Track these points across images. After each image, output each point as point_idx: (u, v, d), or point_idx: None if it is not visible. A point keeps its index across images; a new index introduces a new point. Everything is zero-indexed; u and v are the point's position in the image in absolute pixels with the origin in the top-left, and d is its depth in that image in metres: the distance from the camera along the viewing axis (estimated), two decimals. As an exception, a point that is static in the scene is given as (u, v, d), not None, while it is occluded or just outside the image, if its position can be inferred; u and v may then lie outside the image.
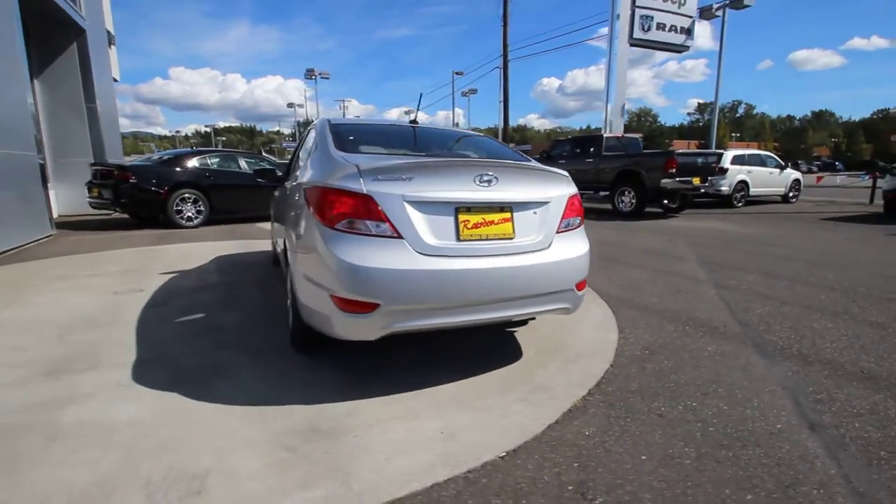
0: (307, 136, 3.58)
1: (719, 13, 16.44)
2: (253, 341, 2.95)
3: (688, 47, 17.36)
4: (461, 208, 2.20)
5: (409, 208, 2.10)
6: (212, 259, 5.52)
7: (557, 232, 2.44)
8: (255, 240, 7.06)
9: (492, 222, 2.25)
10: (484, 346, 2.90)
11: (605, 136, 11.99)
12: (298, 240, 2.39)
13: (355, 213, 2.08)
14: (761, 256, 5.92)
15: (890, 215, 9.87)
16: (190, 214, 8.50)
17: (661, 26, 16.54)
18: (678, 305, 3.84)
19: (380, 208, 2.07)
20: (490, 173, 2.24)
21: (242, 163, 9.50)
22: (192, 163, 8.79)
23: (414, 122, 3.23)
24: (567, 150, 12.72)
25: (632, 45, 16.47)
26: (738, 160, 12.84)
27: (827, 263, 5.49)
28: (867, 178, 13.96)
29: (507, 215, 2.30)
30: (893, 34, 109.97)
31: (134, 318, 3.33)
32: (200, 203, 8.58)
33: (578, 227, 2.59)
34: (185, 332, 3.09)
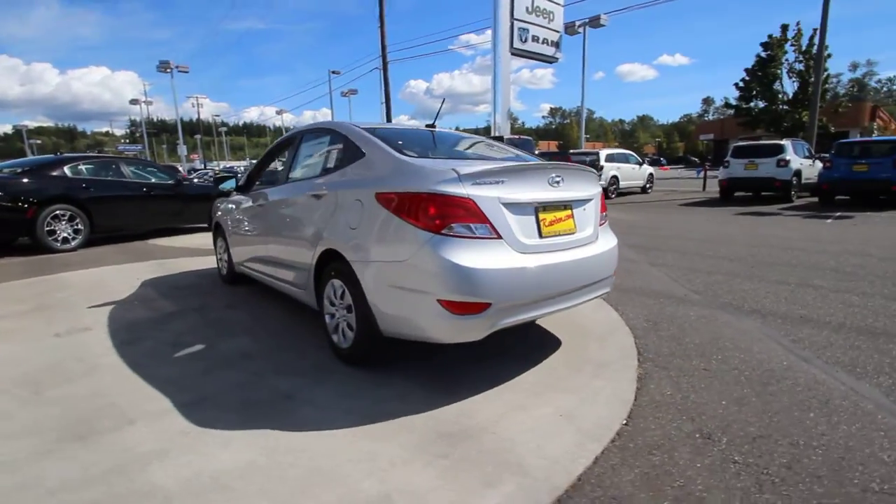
0: (305, 141, 3.36)
1: (580, 30, 18.77)
2: (294, 363, 2.72)
3: (557, 59, 19.43)
4: (539, 208, 2.37)
5: (504, 210, 2.21)
6: (140, 284, 4.73)
7: (599, 225, 2.75)
8: (168, 259, 6.18)
9: (560, 219, 2.47)
10: (520, 337, 3.10)
11: (505, 137, 12.93)
12: (376, 249, 2.31)
13: (460, 216, 2.12)
14: (661, 239, 7.09)
15: (725, 199, 12.48)
16: (66, 235, 7.04)
17: (535, 38, 18.25)
18: (638, 283, 4.48)
19: (482, 211, 2.14)
20: (557, 175, 2.45)
21: (126, 170, 8.15)
22: (63, 172, 7.28)
23: (432, 126, 3.26)
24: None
25: (513, 54, 17.87)
26: (610, 158, 14.90)
27: (712, 240, 6.82)
28: (700, 172, 17.31)
29: (570, 212, 2.53)
30: (692, 54, 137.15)
31: (115, 362, 2.79)
32: (78, 220, 7.16)
33: (606, 220, 2.93)
34: (205, 367, 2.70)
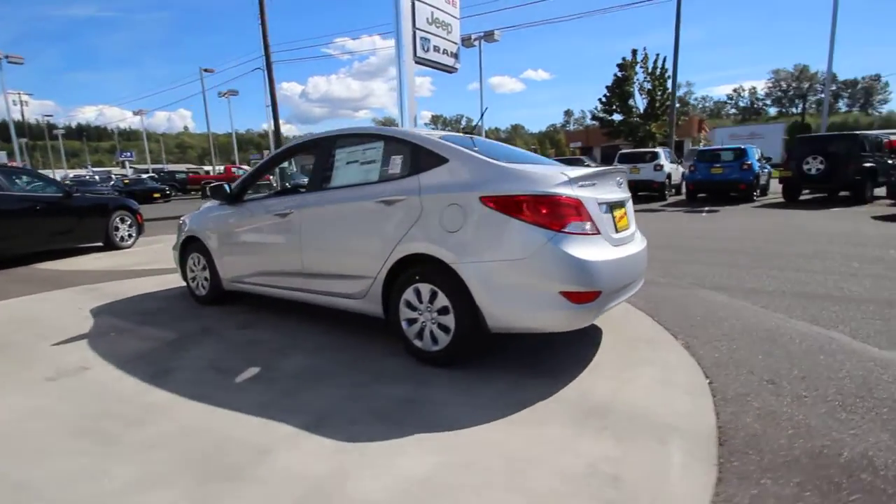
0: (340, 147, 3.26)
1: (476, 43, 19.94)
2: (382, 372, 2.67)
3: (456, 69, 20.36)
4: (612, 206, 2.71)
5: (598, 209, 2.50)
6: (91, 315, 4.02)
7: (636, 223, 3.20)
8: (97, 284, 5.28)
9: (622, 217, 2.84)
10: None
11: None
12: (486, 249, 2.41)
13: (573, 216, 2.35)
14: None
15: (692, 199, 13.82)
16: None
17: (437, 48, 18.83)
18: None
19: (587, 210, 2.41)
20: (620, 178, 2.82)
21: (4, 182, 6.67)
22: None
23: (471, 131, 3.40)
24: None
25: (417, 62, 18.25)
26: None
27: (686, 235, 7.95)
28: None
29: (624, 210, 2.92)
30: (552, 70, 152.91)
31: (171, 397, 2.44)
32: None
33: None
34: (288, 387, 2.52)
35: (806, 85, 68.87)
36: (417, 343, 2.76)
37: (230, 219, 3.86)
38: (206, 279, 4.19)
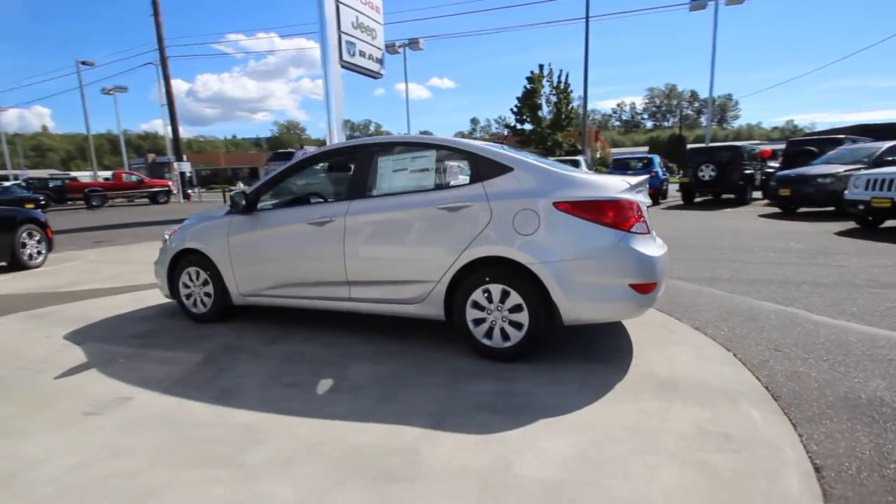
0: (384, 155, 3.30)
1: (400, 50, 20.12)
2: (457, 370, 2.79)
3: (381, 75, 20.33)
4: (645, 208, 3.12)
5: (645, 211, 2.89)
6: (71, 343, 3.55)
7: None
8: (51, 307, 4.59)
9: (649, 219, 3.28)
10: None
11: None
12: (563, 249, 2.65)
13: (635, 217, 2.70)
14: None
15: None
16: None
17: (362, 53, 18.70)
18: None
19: (642, 212, 2.77)
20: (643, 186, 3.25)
21: None
22: None
23: (502, 141, 3.62)
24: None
25: (343, 67, 17.92)
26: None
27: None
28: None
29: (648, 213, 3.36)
30: (457, 79, 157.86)
31: (259, 417, 2.33)
32: None
33: None
34: (379, 394, 2.53)
35: (675, 102, 79.75)
36: (486, 342, 2.92)
37: (246, 229, 3.66)
38: (207, 295, 3.90)
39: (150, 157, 58.66)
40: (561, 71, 31.67)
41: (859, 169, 9.36)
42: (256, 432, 2.18)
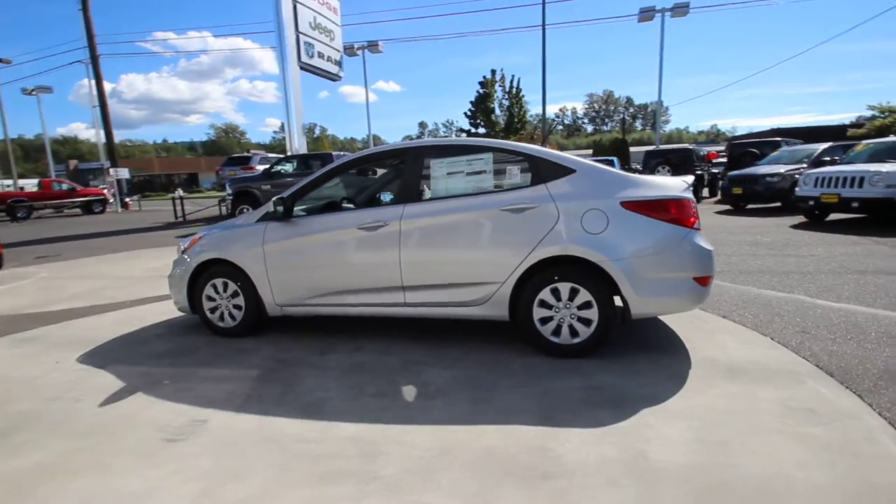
0: (434, 157, 3.29)
1: (359, 52, 19.85)
2: (533, 369, 2.84)
3: (340, 77, 19.99)
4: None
5: (695, 208, 3.09)
6: (86, 366, 3.24)
7: None
8: (35, 329, 4.14)
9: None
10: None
11: (334, 154, 12.82)
12: (633, 247, 2.78)
13: (694, 214, 2.88)
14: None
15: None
16: None
17: (321, 55, 18.29)
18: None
19: (695, 210, 2.96)
20: None
21: None
22: None
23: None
24: (294, 167, 12.70)
25: (301, 68, 17.42)
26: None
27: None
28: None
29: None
30: (403, 83, 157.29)
31: (370, 430, 2.26)
32: None
33: None
34: (473, 399, 2.53)
35: (612, 107, 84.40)
36: (554, 339, 2.99)
37: (285, 236, 3.50)
38: (237, 307, 3.69)
39: (73, 163, 53.75)
40: (513, 76, 32.66)
41: (800, 168, 10.42)
42: (371, 444, 2.11)
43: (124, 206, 23.99)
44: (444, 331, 3.58)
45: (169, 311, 4.34)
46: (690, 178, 3.08)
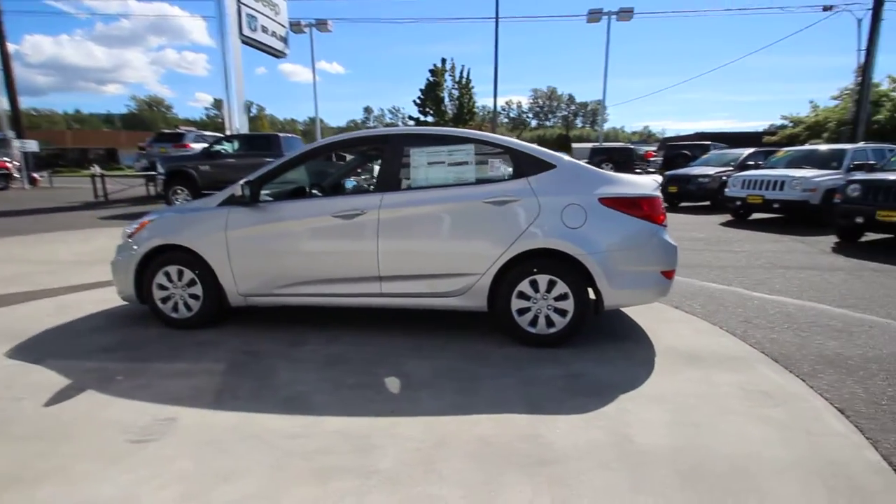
0: (414, 146, 3.22)
1: (306, 30, 18.95)
2: (511, 358, 2.90)
3: (286, 54, 18.93)
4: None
5: (661, 207, 3.27)
6: (17, 361, 2.90)
7: None
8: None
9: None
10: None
11: (280, 135, 12.21)
12: (608, 241, 2.90)
13: (663, 211, 3.05)
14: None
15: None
16: None
17: (265, 29, 17.23)
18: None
19: (664, 208, 3.14)
20: None
21: None
22: None
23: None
24: (236, 148, 11.95)
25: (243, 42, 16.30)
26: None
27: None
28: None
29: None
30: (347, 65, 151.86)
31: (359, 424, 2.20)
32: None
33: None
34: (458, 390, 2.54)
35: (556, 103, 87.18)
36: (531, 329, 3.07)
37: (252, 222, 3.29)
38: (193, 297, 3.44)
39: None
40: (463, 66, 32.75)
41: (727, 171, 11.37)
42: (363, 438, 2.07)
43: (33, 182, 21.39)
44: (420, 321, 3.56)
45: (110, 299, 3.96)
46: (659, 178, 3.26)
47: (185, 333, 3.39)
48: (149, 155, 17.89)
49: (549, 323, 3.06)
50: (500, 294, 3.07)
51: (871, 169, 7.61)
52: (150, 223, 3.53)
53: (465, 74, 32.66)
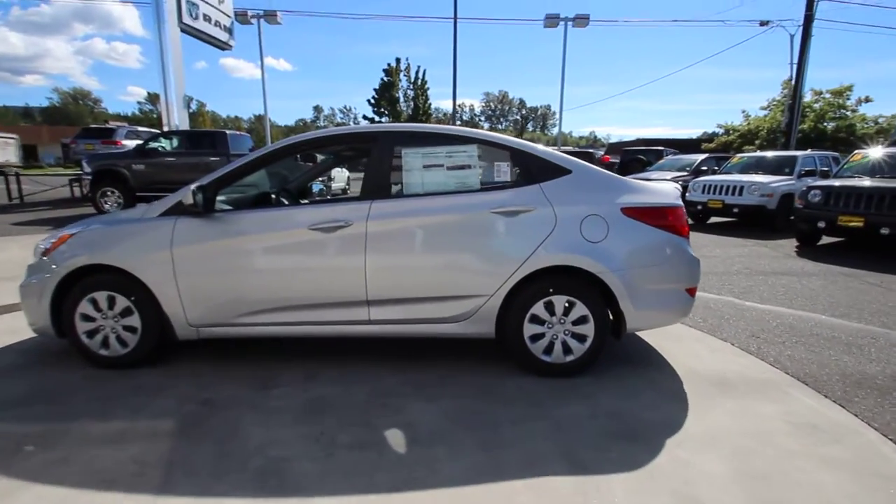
0: (407, 145, 2.75)
1: (253, 21, 17.77)
2: (529, 394, 2.50)
3: (231, 46, 17.58)
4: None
5: (680, 215, 2.99)
6: None
7: None
8: None
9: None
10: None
11: (228, 132, 11.22)
12: (634, 257, 2.57)
13: (686, 222, 2.75)
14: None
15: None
16: None
17: (207, 18, 15.88)
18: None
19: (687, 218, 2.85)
20: None
21: None
22: None
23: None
24: (176, 145, 10.85)
25: (182, 31, 14.94)
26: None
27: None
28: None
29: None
30: (294, 62, 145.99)
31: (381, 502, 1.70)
32: None
33: None
34: (480, 442, 2.08)
35: (507, 107, 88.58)
36: (545, 358, 2.68)
37: (204, 236, 2.68)
38: (128, 329, 2.77)
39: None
40: (419, 67, 32.26)
41: (682, 175, 11.65)
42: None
43: (-73, 181, 18.62)
44: (408, 348, 3.08)
45: (20, 328, 3.18)
46: (678, 185, 2.98)
47: (120, 376, 2.72)
48: (74, 152, 16.07)
49: (567, 350, 2.68)
50: (509, 318, 2.66)
51: (825, 175, 7.94)
52: (72, 237, 2.82)
53: (420, 75, 32.25)
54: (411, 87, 32.29)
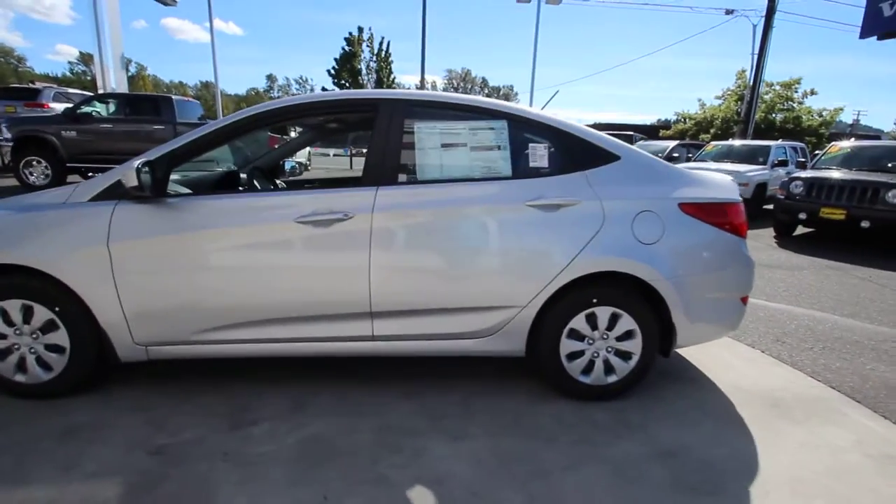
0: (423, 119, 2.21)
1: (202, -24, 15.99)
2: (571, 426, 2.09)
3: (175, 2, 15.83)
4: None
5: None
6: None
7: None
8: None
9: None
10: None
11: (174, 98, 10.00)
12: (691, 262, 2.19)
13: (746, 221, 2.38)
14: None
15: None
16: None
17: (148, -32, 14.14)
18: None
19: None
20: None
21: None
22: None
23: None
24: (113, 110, 9.56)
25: (119, -20, 13.21)
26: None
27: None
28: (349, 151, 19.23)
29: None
30: (245, 25, 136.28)
31: None
32: None
33: None
34: (533, 495, 1.63)
35: (470, 86, 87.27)
36: (584, 379, 2.27)
37: (153, 229, 2.04)
38: (53, 349, 2.11)
39: None
40: (382, 38, 30.75)
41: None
42: None
43: None
44: (412, 360, 2.58)
45: None
46: (732, 177, 2.60)
47: (44, 409, 2.07)
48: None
49: (609, 370, 2.29)
50: (544, 333, 2.22)
51: (803, 166, 7.99)
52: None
53: (384, 47, 30.76)
54: (374, 58, 30.78)
